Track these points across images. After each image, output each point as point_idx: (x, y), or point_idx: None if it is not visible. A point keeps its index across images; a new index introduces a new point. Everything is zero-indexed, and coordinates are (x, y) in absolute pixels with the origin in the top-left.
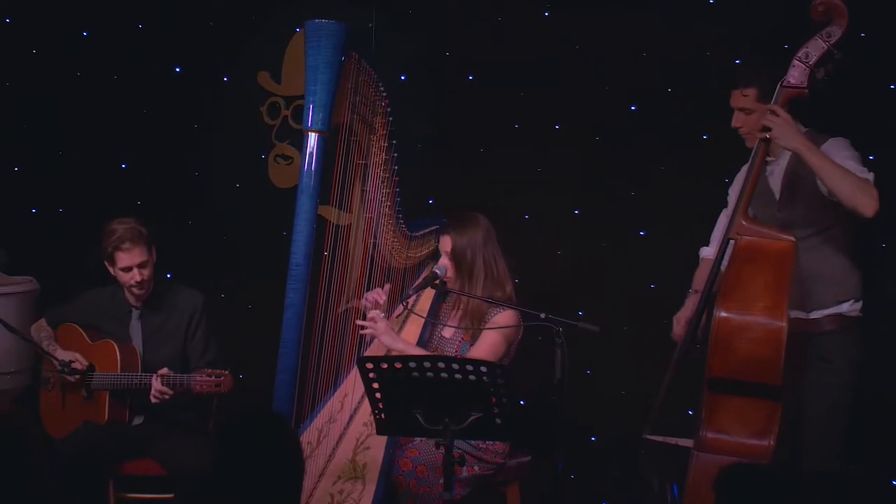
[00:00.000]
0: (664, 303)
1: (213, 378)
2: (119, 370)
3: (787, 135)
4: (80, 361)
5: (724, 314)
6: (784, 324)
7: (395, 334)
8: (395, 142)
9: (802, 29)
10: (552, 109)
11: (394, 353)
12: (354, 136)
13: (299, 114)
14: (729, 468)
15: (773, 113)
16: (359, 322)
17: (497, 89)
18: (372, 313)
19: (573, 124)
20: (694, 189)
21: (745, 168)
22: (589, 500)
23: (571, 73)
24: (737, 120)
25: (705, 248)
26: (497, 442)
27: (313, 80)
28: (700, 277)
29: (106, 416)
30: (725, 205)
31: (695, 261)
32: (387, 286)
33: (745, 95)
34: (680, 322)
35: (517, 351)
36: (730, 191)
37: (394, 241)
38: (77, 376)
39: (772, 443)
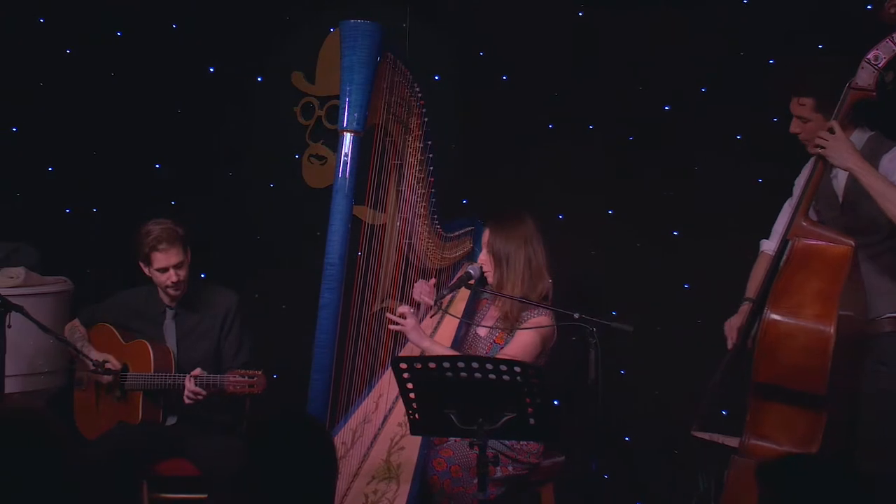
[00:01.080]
0: (698, 303)
1: (246, 379)
2: (153, 370)
3: (840, 154)
4: (112, 362)
5: (773, 317)
6: (832, 332)
7: (422, 332)
8: (430, 142)
9: (841, 28)
10: (586, 109)
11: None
12: (389, 136)
13: (333, 114)
14: (777, 460)
15: (829, 130)
16: (389, 316)
17: (531, 89)
18: (402, 309)
19: (607, 124)
20: (727, 189)
21: (811, 161)
22: (623, 500)
23: (605, 73)
24: (794, 126)
25: (765, 241)
26: (531, 442)
27: (349, 80)
28: (755, 280)
29: (140, 417)
30: (761, 202)
31: (729, 261)
32: (432, 280)
33: (801, 105)
34: (732, 330)
35: (551, 351)
36: (796, 181)
37: (429, 242)
38: (111, 376)
39: (814, 451)
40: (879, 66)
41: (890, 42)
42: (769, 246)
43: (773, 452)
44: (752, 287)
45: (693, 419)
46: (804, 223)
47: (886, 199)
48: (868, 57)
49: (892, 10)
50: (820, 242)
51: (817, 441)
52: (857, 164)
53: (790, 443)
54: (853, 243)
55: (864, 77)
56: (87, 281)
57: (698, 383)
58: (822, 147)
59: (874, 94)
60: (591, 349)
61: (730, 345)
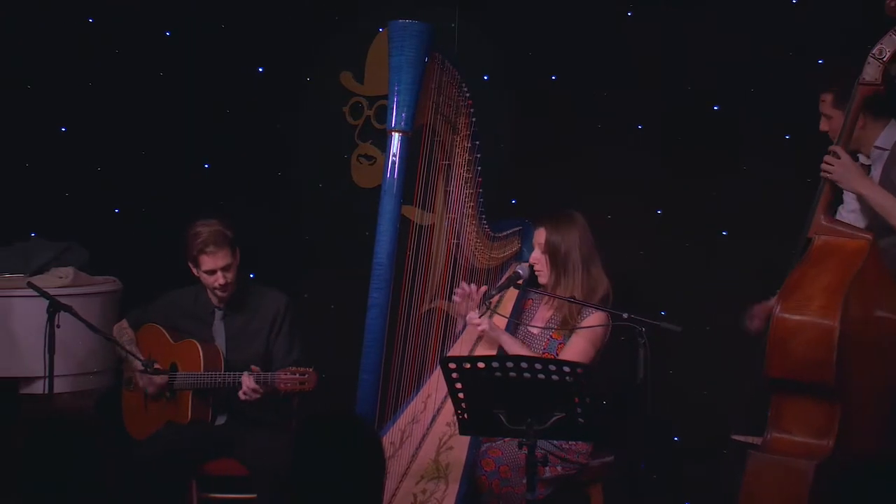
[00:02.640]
0: (746, 303)
1: (297, 376)
2: (202, 370)
3: (846, 178)
4: (159, 365)
5: (781, 314)
6: (835, 324)
7: (496, 326)
8: (478, 142)
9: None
10: (634, 109)
11: (494, 346)
12: (437, 136)
13: (382, 114)
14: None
15: (834, 154)
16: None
17: (579, 89)
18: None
19: (655, 124)
20: (776, 189)
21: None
22: (672, 501)
23: (654, 72)
24: (822, 124)
25: None
26: (580, 442)
27: (397, 81)
28: None
29: (189, 416)
30: (810, 201)
31: (778, 261)
32: (482, 288)
33: (823, 101)
34: (759, 315)
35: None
36: None
37: (477, 242)
38: (162, 380)
39: (831, 442)
40: (884, 59)
41: (893, 35)
42: None
43: (790, 444)
44: None
45: (735, 422)
46: (823, 220)
47: (893, 216)
48: (873, 51)
49: (893, 4)
50: (838, 238)
51: (833, 432)
52: (865, 186)
53: (806, 434)
54: (870, 237)
55: (871, 72)
56: (136, 281)
57: (747, 384)
58: (829, 172)
59: (882, 87)
60: (640, 349)
61: (756, 329)
